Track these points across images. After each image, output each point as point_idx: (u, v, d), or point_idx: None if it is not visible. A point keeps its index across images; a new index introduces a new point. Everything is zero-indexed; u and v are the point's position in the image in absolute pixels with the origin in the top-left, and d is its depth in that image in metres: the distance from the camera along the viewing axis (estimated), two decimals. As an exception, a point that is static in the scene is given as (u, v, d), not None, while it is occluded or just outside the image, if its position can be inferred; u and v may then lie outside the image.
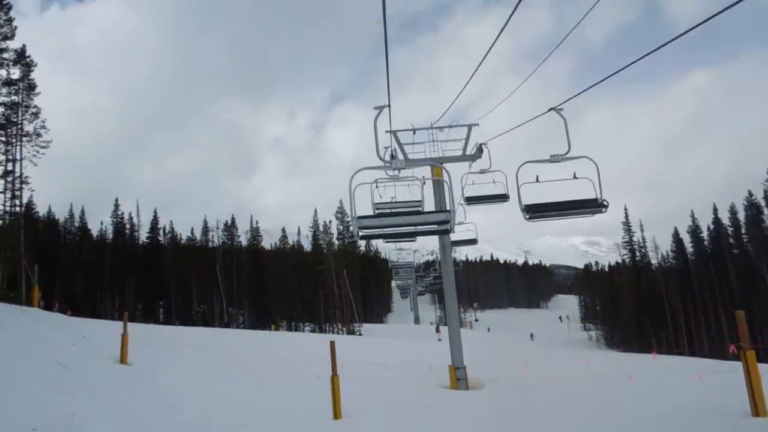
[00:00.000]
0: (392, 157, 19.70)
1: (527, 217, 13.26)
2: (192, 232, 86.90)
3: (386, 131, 20.50)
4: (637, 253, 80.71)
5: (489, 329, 79.82)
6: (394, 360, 24.02)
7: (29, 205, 79.87)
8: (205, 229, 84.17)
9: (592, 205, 12.83)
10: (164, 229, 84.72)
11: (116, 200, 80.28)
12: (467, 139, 21.55)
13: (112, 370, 15.41)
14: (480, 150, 20.81)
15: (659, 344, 71.52)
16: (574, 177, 12.68)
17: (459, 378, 18.47)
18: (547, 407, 12.93)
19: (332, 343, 11.49)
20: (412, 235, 18.03)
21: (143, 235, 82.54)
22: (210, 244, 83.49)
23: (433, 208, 18.72)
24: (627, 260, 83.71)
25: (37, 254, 71.25)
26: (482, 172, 20.23)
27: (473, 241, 26.10)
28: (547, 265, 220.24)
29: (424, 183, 19.49)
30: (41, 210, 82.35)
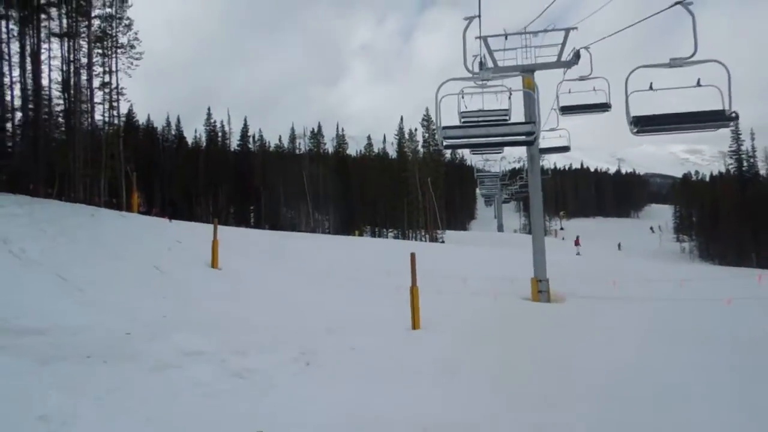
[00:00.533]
0: (481, 65, 18.86)
1: (635, 130, 12.02)
2: (280, 140, 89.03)
3: (476, 37, 19.35)
4: (745, 163, 75.14)
5: (619, 245, 77.54)
6: (474, 270, 24.02)
7: (129, 114, 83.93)
8: (293, 137, 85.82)
9: (719, 118, 11.34)
10: (254, 137, 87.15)
11: (208, 109, 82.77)
12: (563, 44, 20.04)
13: (204, 274, 16.20)
14: (577, 55, 19.35)
15: (759, 258, 67.75)
16: (698, 84, 11.16)
17: (541, 290, 18.26)
18: (631, 326, 12.47)
19: (413, 256, 11.40)
20: (496, 146, 17.61)
21: (234, 143, 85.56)
22: (297, 152, 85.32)
23: (521, 119, 17.90)
24: (732, 170, 78.28)
25: (138, 162, 75.23)
26: (581, 78, 19.22)
27: (565, 149, 23.95)
28: (642, 173, 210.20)
29: (511, 94, 18.43)
30: (140, 119, 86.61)
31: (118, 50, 29.50)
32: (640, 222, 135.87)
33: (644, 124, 11.90)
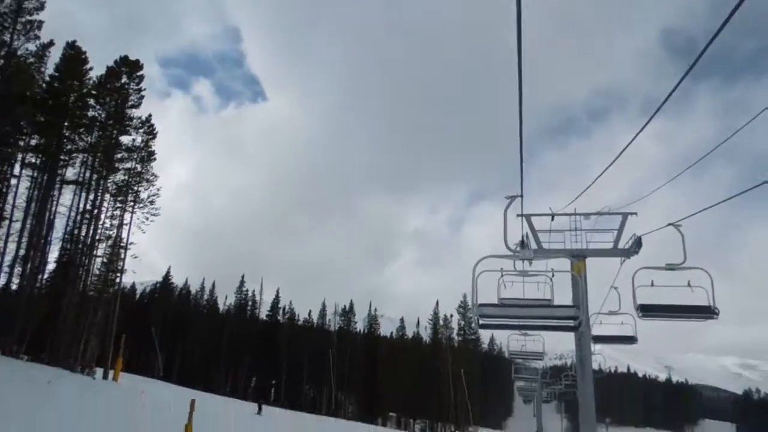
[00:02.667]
0: (522, 244, 16.72)
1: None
2: (309, 314, 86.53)
3: (517, 215, 17.24)
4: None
5: None
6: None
7: (167, 276, 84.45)
8: (323, 312, 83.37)
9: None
10: (283, 309, 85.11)
11: (242, 277, 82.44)
12: (621, 230, 17.71)
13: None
14: (638, 243, 16.76)
15: None
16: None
17: None
18: None
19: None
20: (535, 329, 15.91)
21: (264, 313, 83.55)
22: (326, 327, 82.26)
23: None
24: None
25: (165, 324, 73.92)
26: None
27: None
28: (693, 383, 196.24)
29: (553, 275, 15.83)
30: (178, 281, 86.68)
31: (136, 205, 28.44)
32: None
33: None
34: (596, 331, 20.10)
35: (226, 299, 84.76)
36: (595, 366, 21.45)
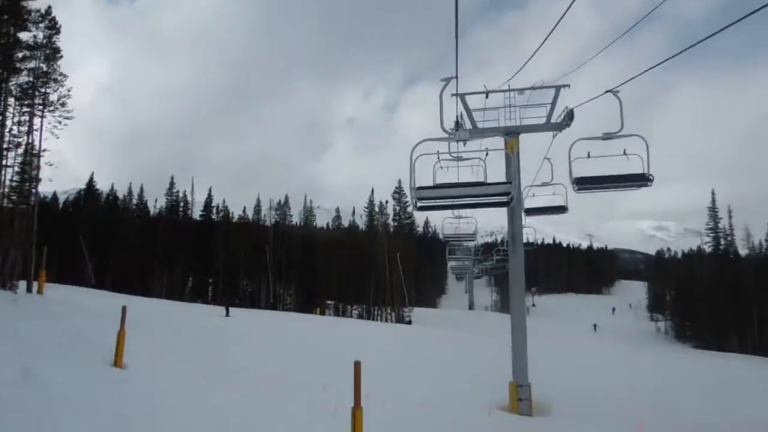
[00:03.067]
0: (457, 124, 16.38)
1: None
2: (244, 211, 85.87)
3: (452, 94, 16.86)
4: (723, 241, 73.87)
5: (595, 326, 72.54)
6: (442, 368, 20.79)
7: (90, 182, 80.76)
8: (258, 208, 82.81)
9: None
10: (217, 208, 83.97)
11: (171, 178, 79.93)
12: (554, 103, 17.63)
13: (93, 377, 12.57)
14: (570, 116, 17.01)
15: (741, 343, 65.19)
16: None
17: (521, 398, 15.13)
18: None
19: (357, 366, 8.15)
20: (470, 207, 16.61)
21: (197, 214, 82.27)
22: (262, 223, 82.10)
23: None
24: (709, 248, 76.85)
25: (95, 231, 71.78)
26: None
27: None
28: (611, 249, 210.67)
29: (487, 155, 15.88)
30: (104, 187, 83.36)
31: (45, 108, 26.35)
32: (611, 298, 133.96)
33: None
34: (529, 203, 21.09)
35: (156, 202, 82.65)
36: (525, 239, 22.46)
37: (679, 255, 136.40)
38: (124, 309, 14.93)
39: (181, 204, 79.58)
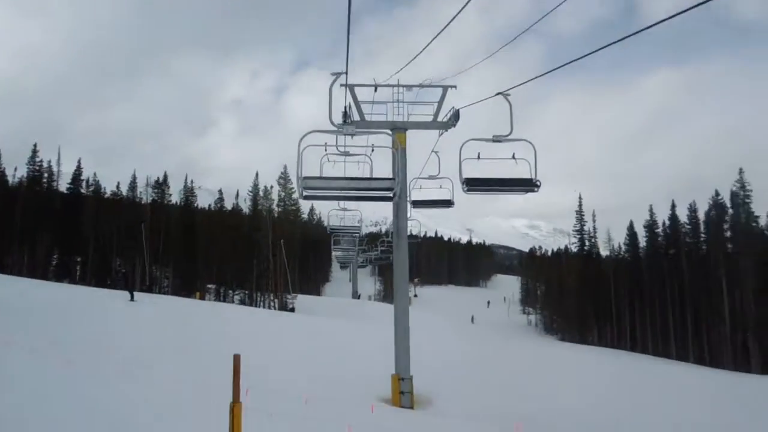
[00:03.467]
0: (345, 115, 16.20)
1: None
2: (118, 187, 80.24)
3: (341, 85, 16.54)
4: (587, 242, 79.17)
5: (473, 318, 73.42)
6: (325, 358, 20.27)
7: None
8: (133, 185, 77.61)
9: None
10: (87, 181, 77.82)
11: (34, 146, 72.24)
12: (441, 102, 17.97)
13: None
14: (456, 116, 17.48)
15: (600, 336, 70.49)
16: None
17: (403, 392, 14.97)
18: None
19: (236, 360, 7.32)
20: (355, 200, 17.35)
21: (64, 186, 75.65)
22: (138, 201, 77.04)
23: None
24: (575, 248, 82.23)
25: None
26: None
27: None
28: (489, 244, 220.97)
29: (373, 150, 15.45)
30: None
31: None
32: (488, 292, 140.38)
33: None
34: (416, 196, 21.26)
35: (15, 171, 75.12)
36: (409, 232, 22.58)
37: (549, 253, 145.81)
38: None
39: (46, 175, 72.79)
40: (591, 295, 70.84)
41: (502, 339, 50.49)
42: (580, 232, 79.26)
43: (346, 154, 13.41)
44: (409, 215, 21.34)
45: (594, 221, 79.47)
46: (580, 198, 79.74)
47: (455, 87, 18.04)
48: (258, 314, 42.10)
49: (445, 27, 11.57)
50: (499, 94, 14.52)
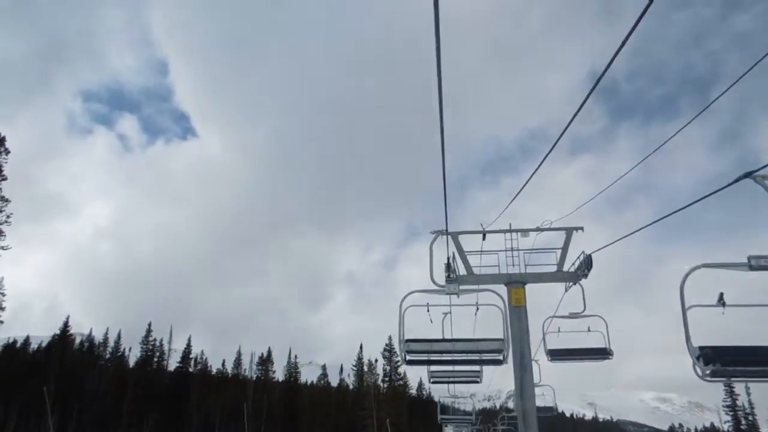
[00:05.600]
0: (448, 267, 13.72)
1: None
2: (223, 365, 79.71)
3: (442, 233, 14.27)
4: (743, 420, 67.61)
5: None
6: None
7: (65, 326, 75.82)
8: (238, 362, 76.92)
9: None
10: (195, 359, 78.25)
11: (149, 325, 74.64)
12: (565, 248, 14.89)
13: None
14: (589, 263, 14.06)
15: None
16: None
17: None
18: None
19: None
20: (463, 363, 15.58)
21: (173, 365, 76.27)
22: (243, 378, 75.71)
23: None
24: (728, 427, 70.32)
25: (59, 382, 65.68)
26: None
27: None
28: (617, 420, 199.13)
29: (478, 309, 13.52)
30: (83, 331, 78.65)
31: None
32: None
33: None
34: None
35: (130, 350, 77.19)
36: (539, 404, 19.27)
37: (692, 431, 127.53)
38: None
39: (157, 354, 73.94)
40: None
41: None
42: (733, 407, 68.01)
43: (450, 293, 12.39)
44: (537, 379, 19.04)
45: (749, 395, 68.44)
46: (728, 367, 69.66)
47: (582, 229, 14.96)
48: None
49: (531, 175, 10.46)
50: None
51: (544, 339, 15.30)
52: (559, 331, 15.21)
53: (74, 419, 65.28)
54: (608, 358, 15.40)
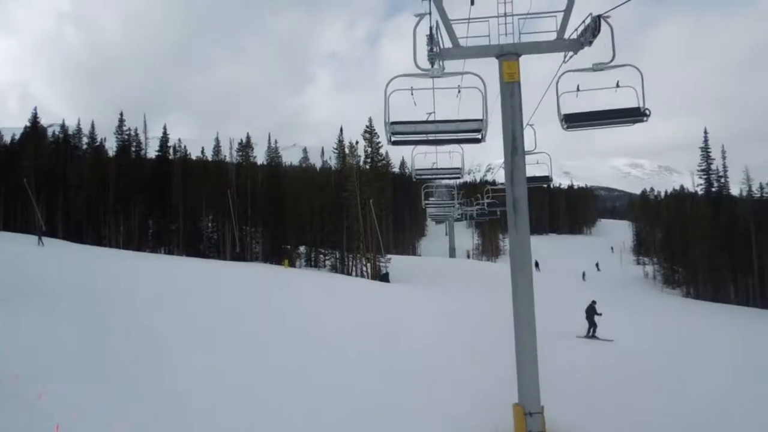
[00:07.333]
0: (431, 39, 12.35)
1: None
2: (202, 152, 78.92)
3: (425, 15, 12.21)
4: (715, 183, 69.67)
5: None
6: (420, 357, 15.94)
7: (34, 119, 72.88)
8: (217, 148, 75.95)
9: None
10: (174, 147, 77.18)
11: (120, 114, 72.03)
12: (568, 12, 12.56)
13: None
14: (595, 27, 12.09)
15: (737, 291, 61.78)
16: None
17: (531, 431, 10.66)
18: None
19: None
20: (443, 143, 15.70)
21: (151, 152, 75.31)
22: (223, 160, 75.50)
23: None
24: (701, 190, 72.79)
25: (39, 174, 64.92)
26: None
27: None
28: (590, 186, 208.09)
29: (459, 92, 12.97)
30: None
31: None
32: (592, 239, 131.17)
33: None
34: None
35: (105, 140, 75.72)
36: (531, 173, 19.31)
37: (662, 194, 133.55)
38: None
39: (134, 144, 72.65)
40: (726, 243, 61.84)
41: (639, 298, 43.93)
42: (707, 171, 69.72)
43: (436, 74, 12.02)
44: (534, 147, 18.82)
45: (724, 159, 69.83)
46: (705, 133, 69.96)
47: None
48: (346, 287, 38.48)
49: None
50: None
51: (558, 100, 12.75)
52: (578, 90, 12.77)
53: (60, 208, 65.95)
54: (642, 120, 12.70)
